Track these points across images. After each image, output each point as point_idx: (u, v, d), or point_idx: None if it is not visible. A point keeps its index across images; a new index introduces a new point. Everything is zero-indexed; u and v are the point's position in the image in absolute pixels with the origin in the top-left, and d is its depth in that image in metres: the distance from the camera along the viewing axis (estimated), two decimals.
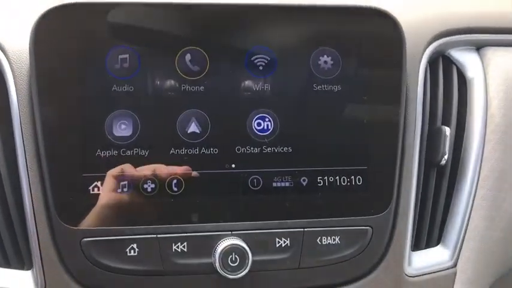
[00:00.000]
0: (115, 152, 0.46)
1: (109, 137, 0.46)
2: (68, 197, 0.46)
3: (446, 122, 0.55)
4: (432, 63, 0.57)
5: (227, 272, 0.45)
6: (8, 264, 0.48)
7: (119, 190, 0.46)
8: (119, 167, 0.46)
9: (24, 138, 0.47)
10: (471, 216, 0.53)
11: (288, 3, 0.50)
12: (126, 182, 0.46)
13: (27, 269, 0.48)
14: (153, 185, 0.47)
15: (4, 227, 0.48)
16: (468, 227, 0.53)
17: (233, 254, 0.45)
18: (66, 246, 0.46)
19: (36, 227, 0.46)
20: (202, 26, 0.49)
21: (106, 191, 0.46)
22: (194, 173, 0.47)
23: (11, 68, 0.48)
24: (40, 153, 0.46)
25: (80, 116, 0.46)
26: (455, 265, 0.53)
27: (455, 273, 0.53)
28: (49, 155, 0.46)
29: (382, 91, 0.51)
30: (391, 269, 0.51)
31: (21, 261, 0.48)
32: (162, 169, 0.47)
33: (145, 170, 0.46)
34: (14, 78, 0.48)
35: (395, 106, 0.50)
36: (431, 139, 0.54)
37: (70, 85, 0.46)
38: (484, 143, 0.54)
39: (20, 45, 0.49)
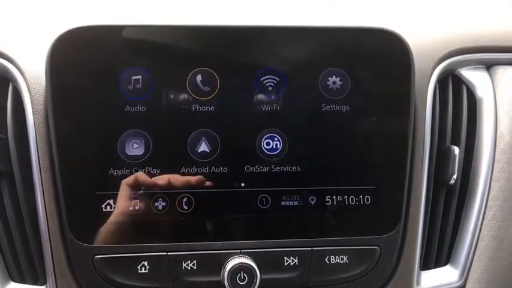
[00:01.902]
0: (127, 171, 0.47)
1: (122, 156, 0.48)
2: (81, 215, 0.47)
3: (455, 141, 0.55)
4: (442, 82, 0.57)
5: None
6: (23, 280, 0.50)
7: (131, 208, 0.47)
8: (131, 185, 0.47)
9: (40, 157, 0.48)
10: (480, 236, 0.53)
11: (297, 24, 0.51)
12: (137, 200, 0.47)
13: (41, 285, 0.49)
14: (164, 203, 0.48)
15: (20, 243, 0.49)
16: (477, 247, 0.53)
17: (242, 272, 0.46)
18: (79, 262, 0.47)
19: (50, 244, 0.47)
20: (212, 47, 0.50)
21: (118, 209, 0.47)
22: (204, 192, 0.48)
23: (28, 89, 0.50)
24: (55, 171, 0.47)
25: (94, 136, 0.48)
26: (464, 285, 0.53)
27: None
28: (63, 173, 0.47)
29: (391, 111, 0.51)
30: None
31: (36, 277, 0.49)
32: (173, 187, 0.48)
33: (156, 188, 0.47)
34: (30, 99, 0.50)
35: (404, 126, 0.51)
36: (440, 158, 0.54)
37: (84, 105, 0.48)
38: (493, 163, 0.54)
39: (37, 66, 0.51)
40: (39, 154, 0.48)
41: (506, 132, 0.55)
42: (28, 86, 0.50)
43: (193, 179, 0.48)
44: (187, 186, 0.48)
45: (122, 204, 0.47)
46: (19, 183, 0.49)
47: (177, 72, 0.49)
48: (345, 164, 0.50)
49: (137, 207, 0.47)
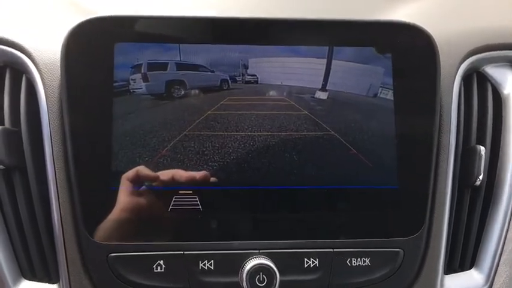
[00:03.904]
0: (144, 167, 0.46)
1: (138, 151, 0.46)
2: (96, 211, 0.45)
3: (480, 140, 0.54)
4: (466, 80, 0.55)
5: None
6: (34, 277, 0.48)
7: (146, 205, 0.46)
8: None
9: (54, 152, 0.47)
10: (507, 239, 0.51)
11: (322, 18, 0.49)
12: (154, 198, 0.46)
13: (54, 283, 0.48)
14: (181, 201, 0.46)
15: (32, 240, 0.48)
16: (504, 250, 0.51)
17: (261, 273, 0.44)
18: (93, 260, 0.46)
19: (64, 241, 0.46)
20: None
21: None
22: (222, 190, 0.47)
23: (42, 81, 0.48)
24: (69, 166, 0.46)
25: (108, 130, 0.46)
26: None
27: None
28: (78, 168, 0.46)
29: (416, 109, 0.49)
30: None
31: (48, 274, 0.48)
32: (176, 183, 0.46)
33: (172, 184, 0.46)
34: (44, 91, 0.48)
35: (429, 124, 0.49)
36: (466, 159, 0.52)
37: (100, 98, 0.47)
38: None
39: (51, 57, 0.49)
40: (53, 148, 0.47)
41: None
42: (42, 78, 0.49)
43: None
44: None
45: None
46: (32, 178, 0.48)
47: None
48: (368, 162, 0.48)
49: (153, 205, 0.46)
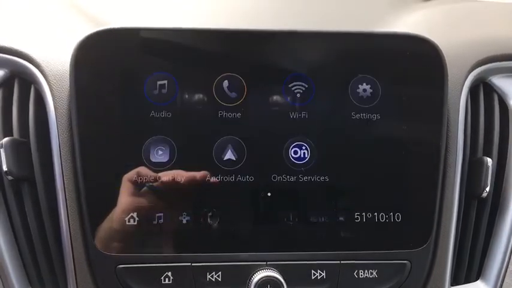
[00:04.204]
0: (151, 178, 0.46)
1: (146, 162, 0.46)
2: (104, 223, 0.46)
3: (487, 152, 0.54)
4: (473, 90, 0.55)
5: None
6: (43, 287, 0.49)
7: (155, 217, 0.46)
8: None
9: (63, 163, 0.47)
10: None
11: (326, 30, 0.49)
12: (162, 213, 0.46)
13: None
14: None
15: (41, 250, 0.48)
16: (510, 262, 0.51)
17: (268, 286, 0.44)
18: (101, 271, 0.46)
19: (72, 252, 0.46)
20: (240, 52, 0.49)
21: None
22: (229, 201, 0.47)
23: (51, 92, 0.49)
24: (78, 177, 0.46)
25: (118, 142, 0.47)
26: None
27: None
28: (86, 180, 0.46)
29: (423, 120, 0.49)
30: None
31: (56, 284, 0.48)
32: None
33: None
34: (53, 102, 0.48)
35: (436, 136, 0.49)
36: (473, 170, 0.52)
37: (108, 110, 0.47)
38: None
39: (59, 68, 0.50)
40: (62, 159, 0.47)
41: None
42: (51, 89, 0.49)
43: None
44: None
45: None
46: (41, 188, 0.48)
47: (204, 77, 0.48)
48: (375, 174, 0.48)
49: (161, 217, 0.46)
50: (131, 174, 0.46)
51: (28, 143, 0.49)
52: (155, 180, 0.46)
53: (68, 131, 0.48)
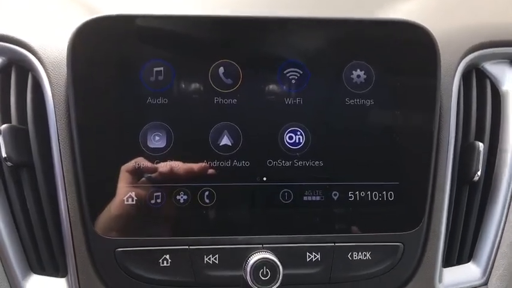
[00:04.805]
0: (149, 163, 0.47)
1: (143, 148, 0.47)
2: (102, 207, 0.46)
3: (479, 136, 0.55)
4: (465, 76, 0.56)
5: (258, 285, 0.45)
6: (43, 271, 0.49)
7: (153, 201, 0.47)
8: (152, 178, 0.47)
9: (61, 149, 0.48)
10: (504, 233, 0.52)
11: (321, 16, 0.50)
12: (159, 193, 0.47)
13: (62, 277, 0.49)
14: (185, 197, 0.47)
15: (40, 235, 0.49)
16: (501, 244, 0.52)
17: (264, 267, 0.45)
18: (101, 255, 0.47)
19: (71, 236, 0.47)
20: (235, 39, 0.49)
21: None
22: (226, 185, 0.48)
23: (48, 79, 0.49)
24: (76, 163, 0.47)
25: (115, 128, 0.47)
26: (486, 282, 0.52)
27: None
28: (84, 166, 0.47)
29: (416, 105, 0.50)
30: (422, 286, 0.50)
31: (56, 268, 0.49)
32: (194, 181, 0.47)
33: (178, 181, 0.47)
34: (51, 89, 0.49)
35: (429, 121, 0.50)
36: (464, 155, 0.53)
37: (106, 97, 0.47)
38: None
39: (56, 55, 0.50)
40: (61, 145, 0.48)
41: None
42: (48, 76, 0.49)
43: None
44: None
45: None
46: (40, 174, 0.49)
47: (199, 64, 0.49)
48: (368, 159, 0.49)
49: (159, 200, 0.47)
50: (129, 159, 0.47)
51: (26, 130, 0.50)
52: (153, 165, 0.47)
53: (65, 117, 0.48)
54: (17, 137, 0.49)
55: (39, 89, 0.50)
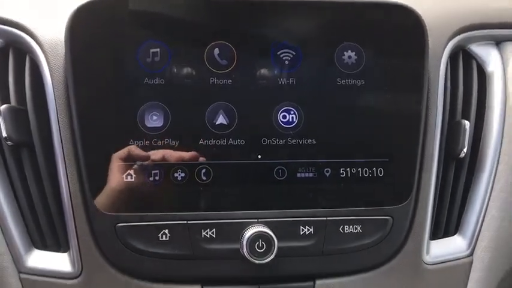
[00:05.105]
0: (147, 142, 0.48)
1: (141, 127, 0.48)
2: (103, 185, 0.48)
3: (465, 115, 0.57)
4: (452, 57, 0.58)
5: (254, 257, 0.47)
6: (45, 247, 0.51)
7: (151, 178, 0.48)
8: (150, 156, 0.48)
9: (61, 127, 0.49)
10: (488, 207, 0.55)
11: None
12: (157, 171, 0.48)
13: (64, 252, 0.50)
14: (183, 174, 0.49)
15: (42, 212, 0.50)
16: (485, 218, 0.55)
17: (260, 240, 0.47)
18: (102, 230, 0.48)
19: (73, 213, 0.48)
20: (230, 21, 0.51)
21: (139, 179, 0.48)
22: (222, 163, 0.49)
23: (46, 60, 0.50)
24: (76, 142, 0.48)
25: (113, 108, 0.49)
26: (472, 254, 0.55)
27: (471, 262, 0.55)
28: (84, 145, 0.48)
29: (405, 86, 0.52)
30: (410, 257, 0.52)
31: (58, 244, 0.51)
32: (192, 159, 0.49)
33: (176, 159, 0.48)
34: (49, 70, 0.50)
35: (417, 100, 0.52)
36: (451, 132, 0.55)
37: (104, 78, 0.49)
38: (502, 136, 0.55)
39: (54, 36, 0.51)
40: (60, 125, 0.49)
41: None
42: (46, 57, 0.50)
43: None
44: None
45: (143, 174, 0.48)
46: (40, 153, 0.50)
47: (195, 45, 0.50)
48: (359, 137, 0.51)
49: (157, 178, 0.48)
50: (127, 138, 0.48)
51: (26, 111, 0.51)
52: (151, 143, 0.48)
53: (64, 98, 0.49)
54: (16, 117, 0.50)
55: (37, 70, 0.51)
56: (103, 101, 0.48)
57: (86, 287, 0.49)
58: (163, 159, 0.48)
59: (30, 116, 0.50)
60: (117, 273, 0.49)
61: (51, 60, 0.50)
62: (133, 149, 0.48)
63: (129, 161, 0.48)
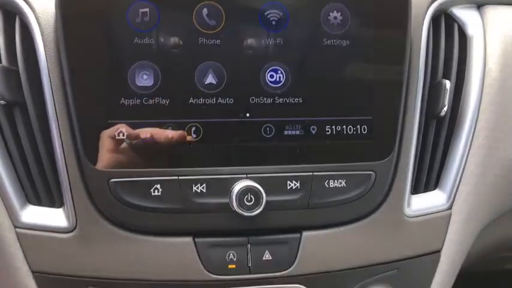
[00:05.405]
0: (138, 101, 0.50)
1: (132, 86, 0.49)
2: (95, 142, 0.49)
3: (446, 76, 0.59)
4: (435, 20, 0.60)
5: (243, 210, 0.49)
6: (39, 203, 0.52)
7: (143, 136, 0.49)
8: (142, 115, 0.49)
9: (52, 86, 0.50)
10: (467, 163, 0.57)
11: None
12: (148, 129, 0.50)
13: (58, 207, 0.52)
14: (173, 132, 0.50)
15: (35, 169, 0.51)
16: (464, 173, 0.57)
17: (249, 194, 0.49)
18: (95, 186, 0.50)
19: (66, 169, 0.50)
20: None
21: (130, 137, 0.49)
22: (212, 121, 0.51)
23: (37, 21, 0.51)
24: (68, 101, 0.49)
25: (104, 67, 0.50)
26: (450, 207, 0.57)
27: (450, 215, 0.57)
28: (76, 103, 0.49)
29: (388, 47, 0.54)
30: (392, 210, 0.55)
31: (52, 200, 0.52)
32: (182, 116, 0.50)
33: (166, 117, 0.50)
34: (40, 31, 0.51)
35: (399, 61, 0.54)
36: (432, 92, 0.57)
37: (94, 38, 0.49)
38: (481, 96, 0.58)
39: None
40: (52, 85, 0.50)
41: (494, 67, 0.58)
42: (37, 18, 0.51)
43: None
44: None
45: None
46: (32, 112, 0.51)
47: (184, 5, 0.51)
48: (344, 96, 0.53)
49: (148, 136, 0.49)
50: (118, 96, 0.49)
51: (17, 71, 0.51)
52: (142, 102, 0.49)
53: (55, 58, 0.50)
54: (8, 77, 0.50)
55: (27, 31, 0.52)
56: (94, 60, 0.49)
57: (81, 240, 0.50)
58: (154, 116, 0.50)
59: (21, 76, 0.51)
60: (111, 227, 0.50)
61: (41, 20, 0.51)
62: (124, 107, 0.49)
63: (120, 119, 0.49)
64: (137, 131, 0.49)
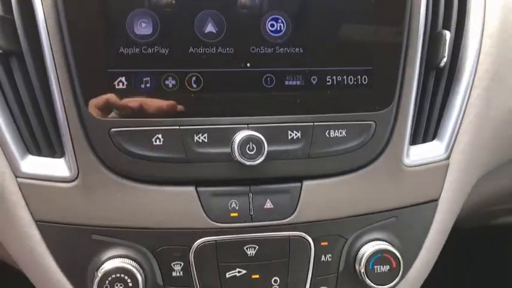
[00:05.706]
0: (137, 50, 0.49)
1: (130, 35, 0.49)
2: (95, 92, 0.48)
3: (446, 27, 0.59)
4: None
5: (245, 159, 0.49)
6: (40, 153, 0.52)
7: (142, 86, 0.49)
8: (141, 64, 0.49)
9: (50, 35, 0.49)
10: (465, 113, 0.58)
11: None
12: (148, 78, 0.49)
13: (59, 157, 0.51)
14: (173, 81, 0.50)
15: (35, 119, 0.51)
16: (462, 123, 0.58)
17: (250, 143, 0.49)
18: (96, 135, 0.49)
19: (67, 119, 0.49)
20: None
21: (130, 86, 0.49)
22: (212, 71, 0.50)
23: None
24: (66, 50, 0.48)
25: (102, 15, 0.49)
26: (448, 157, 0.58)
27: (448, 165, 0.58)
28: (74, 53, 0.48)
29: None
30: (391, 160, 0.55)
31: (53, 150, 0.52)
32: (182, 66, 0.50)
33: (166, 66, 0.49)
34: None
35: (400, 12, 0.53)
36: (432, 42, 0.57)
37: None
38: (480, 47, 0.58)
39: None
40: (49, 33, 0.49)
41: (494, 18, 0.58)
42: None
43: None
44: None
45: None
46: (29, 62, 0.50)
47: None
48: (345, 46, 0.53)
49: (148, 85, 0.49)
50: (117, 44, 0.48)
51: (13, 20, 0.50)
52: (141, 50, 0.49)
53: (52, 6, 0.49)
54: (4, 26, 0.49)
55: None
56: (92, 9, 0.48)
57: (83, 189, 0.50)
58: (154, 66, 0.49)
59: (17, 25, 0.50)
60: (113, 176, 0.50)
61: None
62: (124, 56, 0.49)
63: (119, 68, 0.49)
64: (136, 80, 0.49)
